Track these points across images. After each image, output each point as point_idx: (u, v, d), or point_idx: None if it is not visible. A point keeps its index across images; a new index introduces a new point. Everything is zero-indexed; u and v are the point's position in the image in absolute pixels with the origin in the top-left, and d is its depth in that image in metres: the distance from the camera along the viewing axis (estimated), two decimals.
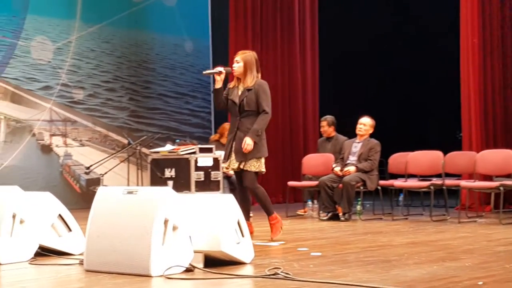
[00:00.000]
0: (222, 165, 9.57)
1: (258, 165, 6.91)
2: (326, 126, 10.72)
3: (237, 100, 6.88)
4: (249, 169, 6.87)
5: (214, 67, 6.87)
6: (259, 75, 6.95)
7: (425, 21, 15.66)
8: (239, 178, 7.04)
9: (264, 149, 6.92)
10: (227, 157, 7.01)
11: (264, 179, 10.81)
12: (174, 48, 14.10)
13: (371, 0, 15.64)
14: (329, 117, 10.76)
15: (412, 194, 11.19)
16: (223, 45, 13.38)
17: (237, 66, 6.88)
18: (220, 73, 6.82)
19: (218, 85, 6.86)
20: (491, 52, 11.25)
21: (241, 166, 6.89)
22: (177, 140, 10.82)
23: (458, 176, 10.53)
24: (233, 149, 6.93)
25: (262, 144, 6.90)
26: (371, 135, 9.84)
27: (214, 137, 10.80)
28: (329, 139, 10.75)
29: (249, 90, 6.84)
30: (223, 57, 13.12)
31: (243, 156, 6.85)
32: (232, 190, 9.90)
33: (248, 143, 6.78)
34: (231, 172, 9.59)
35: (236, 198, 5.59)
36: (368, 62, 15.92)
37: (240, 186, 7.08)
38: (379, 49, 15.80)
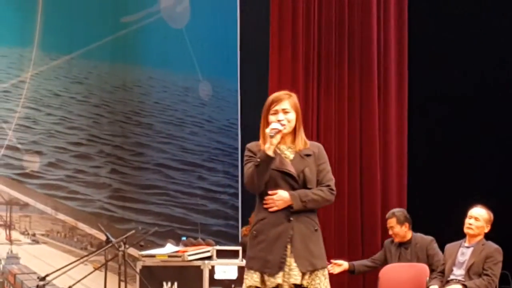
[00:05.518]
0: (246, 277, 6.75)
1: (326, 281, 4.34)
2: (397, 226, 7.56)
3: (293, 170, 4.28)
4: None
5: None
6: None
7: None
8: None
9: None
10: (277, 267, 4.26)
11: None
12: (183, 93, 10.29)
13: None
14: (398, 211, 7.74)
15: None
16: (259, 88, 8.97)
17: (288, 118, 4.39)
18: (279, 131, 4.31)
19: (272, 151, 4.26)
20: None
21: (305, 283, 4.29)
22: (184, 238, 8.11)
23: None
24: (287, 251, 4.22)
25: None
26: (487, 236, 7.39)
27: (246, 230, 8.52)
28: (403, 244, 7.69)
29: (307, 155, 4.37)
30: (258, 108, 8.73)
31: (310, 264, 4.24)
32: None
33: (283, 196, 4.19)
34: None
35: None
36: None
37: None
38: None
